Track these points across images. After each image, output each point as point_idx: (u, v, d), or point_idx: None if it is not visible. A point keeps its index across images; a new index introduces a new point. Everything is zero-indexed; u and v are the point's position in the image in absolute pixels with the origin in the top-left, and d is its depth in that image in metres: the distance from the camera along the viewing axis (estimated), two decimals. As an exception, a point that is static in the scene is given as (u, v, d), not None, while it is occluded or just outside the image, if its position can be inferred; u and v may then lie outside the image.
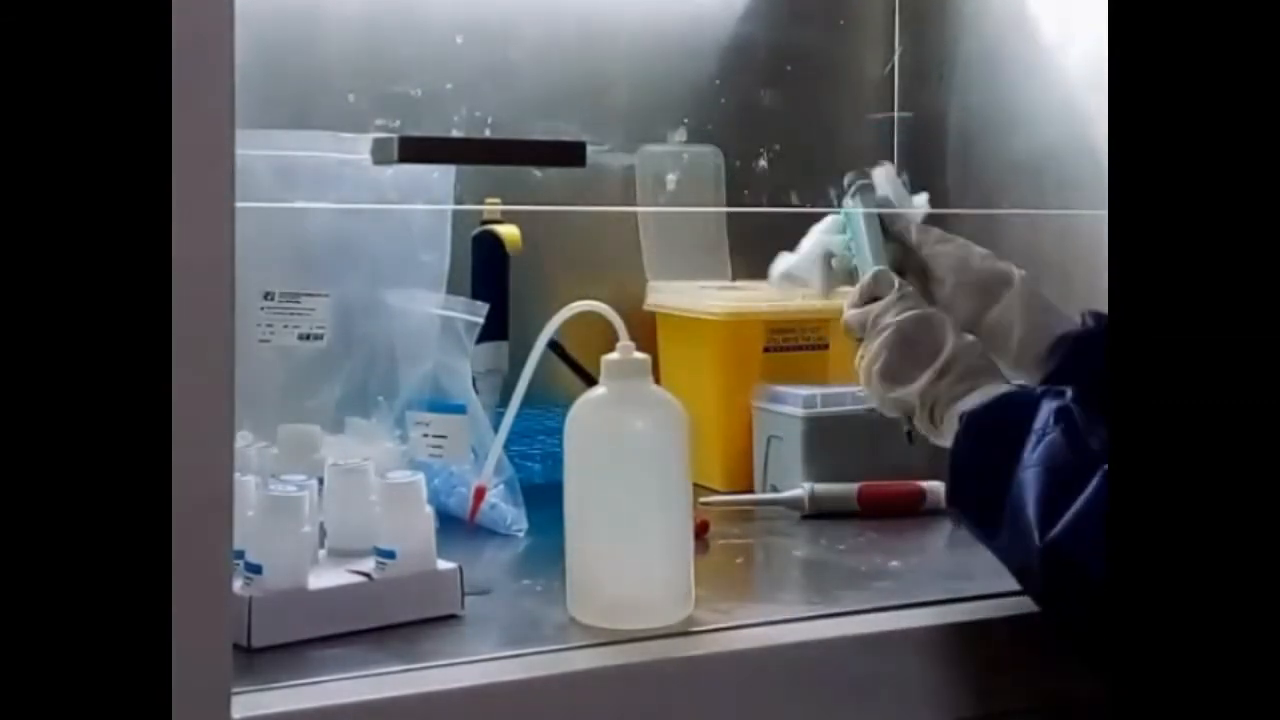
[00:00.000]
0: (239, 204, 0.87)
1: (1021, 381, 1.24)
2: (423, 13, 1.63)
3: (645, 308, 1.67)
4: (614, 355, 1.11)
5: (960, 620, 1.13)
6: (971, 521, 1.13)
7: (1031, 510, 1.03)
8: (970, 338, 1.23)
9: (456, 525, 1.29)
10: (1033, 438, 1.07)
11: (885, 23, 1.90)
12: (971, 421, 1.13)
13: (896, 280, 1.27)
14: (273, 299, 1.32)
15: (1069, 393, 1.10)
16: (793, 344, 1.58)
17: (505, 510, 1.36)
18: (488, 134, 1.64)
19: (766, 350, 1.57)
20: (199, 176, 0.84)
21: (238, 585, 1.04)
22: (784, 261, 1.42)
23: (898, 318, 1.23)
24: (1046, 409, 1.08)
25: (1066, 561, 1.00)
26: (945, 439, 1.17)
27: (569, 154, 1.54)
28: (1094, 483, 1.01)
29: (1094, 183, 1.53)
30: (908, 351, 1.21)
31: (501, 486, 1.36)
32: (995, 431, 1.11)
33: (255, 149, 1.28)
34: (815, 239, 1.40)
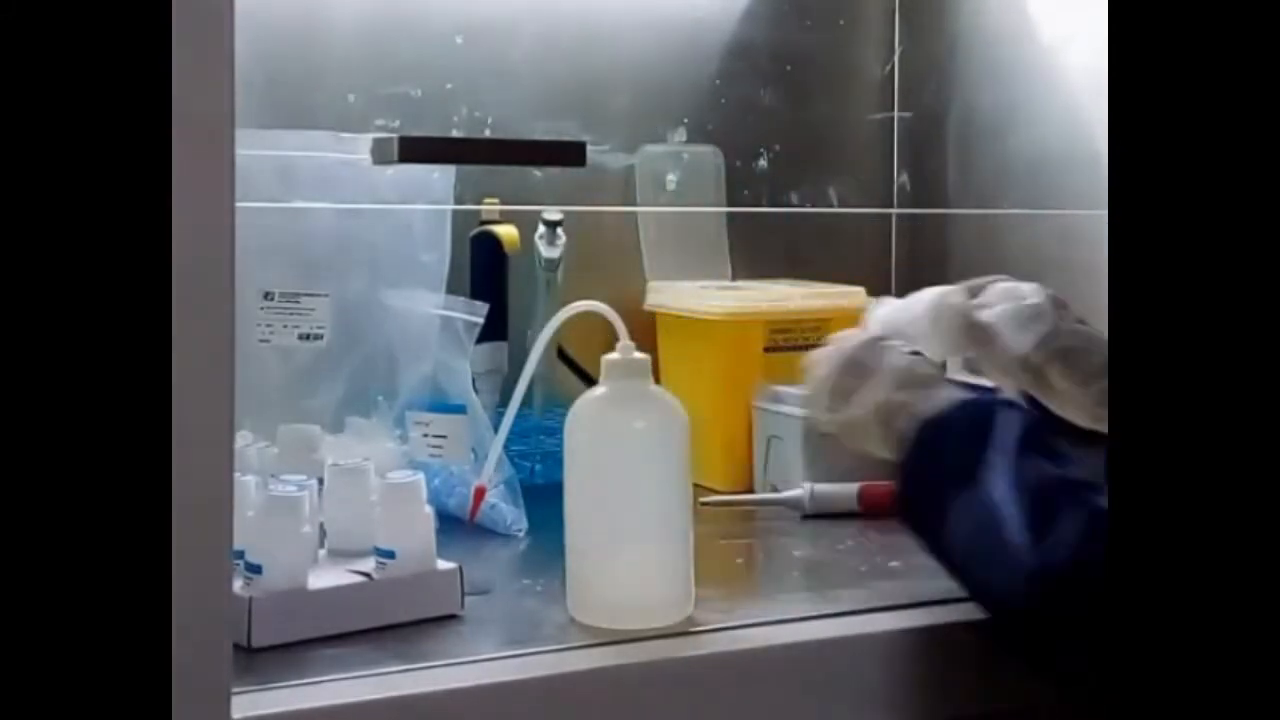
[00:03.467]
0: (239, 204, 0.87)
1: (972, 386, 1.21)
2: (423, 13, 1.63)
3: (645, 308, 1.67)
4: (614, 355, 1.11)
5: (960, 620, 1.12)
6: (924, 533, 1.11)
7: (1016, 533, 1.00)
8: (913, 353, 1.21)
9: (456, 525, 1.29)
10: (996, 452, 1.05)
11: (885, 23, 1.90)
12: (926, 429, 1.11)
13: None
14: (273, 299, 1.32)
15: (1022, 402, 1.09)
16: (793, 344, 1.58)
17: (505, 510, 1.36)
18: (488, 134, 1.64)
19: (766, 350, 1.57)
20: (199, 176, 0.84)
21: (238, 585, 1.04)
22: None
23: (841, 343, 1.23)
24: (1008, 419, 1.07)
25: (1063, 587, 0.98)
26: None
27: (569, 154, 1.54)
28: (1087, 509, 0.99)
29: (1094, 183, 1.53)
30: (855, 370, 1.20)
31: (501, 486, 1.36)
32: (954, 440, 1.09)
33: (255, 149, 1.28)
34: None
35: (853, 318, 1.62)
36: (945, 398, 1.13)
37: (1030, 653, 1.07)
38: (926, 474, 1.10)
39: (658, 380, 1.14)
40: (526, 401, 1.27)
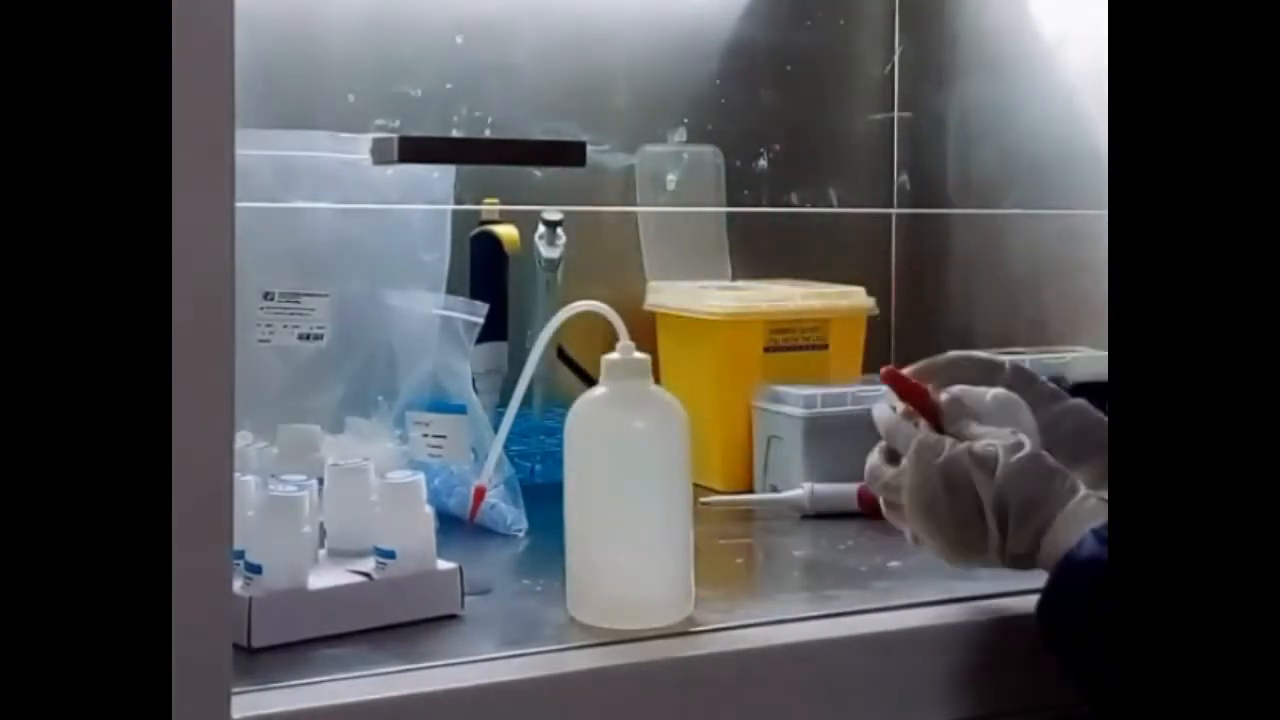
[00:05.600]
0: (239, 204, 0.87)
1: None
2: (423, 13, 1.63)
3: (645, 308, 1.67)
4: (614, 355, 1.11)
5: (960, 620, 1.13)
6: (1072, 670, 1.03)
7: None
8: (1013, 453, 1.06)
9: (456, 525, 1.29)
10: None
11: (885, 23, 1.90)
12: (1069, 573, 1.01)
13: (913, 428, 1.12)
14: (273, 299, 1.32)
15: None
16: (793, 344, 1.58)
17: (505, 510, 1.36)
18: (488, 134, 1.64)
19: (766, 350, 1.57)
20: (199, 176, 0.84)
21: (238, 585, 1.04)
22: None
23: (914, 482, 1.09)
24: None
25: None
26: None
27: (569, 154, 1.54)
28: None
29: (1094, 182, 1.53)
30: (947, 522, 1.08)
31: (501, 486, 1.36)
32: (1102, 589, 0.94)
33: (255, 149, 1.28)
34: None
35: (853, 318, 1.63)
36: (1082, 522, 1.02)
37: None
38: (1078, 623, 1.01)
39: (658, 380, 1.14)
40: (526, 401, 1.27)
